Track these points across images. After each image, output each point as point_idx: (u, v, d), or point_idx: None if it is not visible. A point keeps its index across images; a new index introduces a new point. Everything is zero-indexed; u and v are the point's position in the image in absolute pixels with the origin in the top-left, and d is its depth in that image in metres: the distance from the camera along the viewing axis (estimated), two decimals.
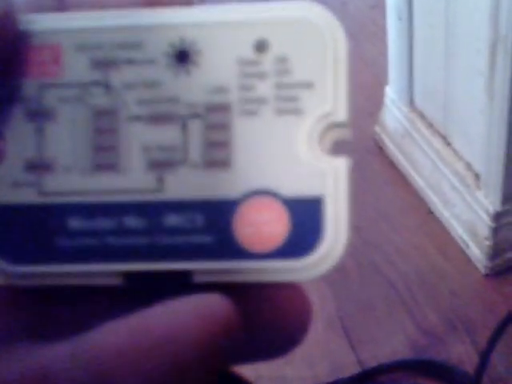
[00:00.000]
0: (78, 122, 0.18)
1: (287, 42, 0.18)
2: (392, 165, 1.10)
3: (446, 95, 0.94)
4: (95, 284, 0.18)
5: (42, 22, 0.19)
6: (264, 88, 0.18)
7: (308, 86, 0.18)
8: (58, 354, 0.15)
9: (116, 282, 0.18)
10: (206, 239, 0.18)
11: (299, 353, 0.86)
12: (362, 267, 0.95)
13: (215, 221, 0.18)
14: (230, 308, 0.16)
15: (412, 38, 0.98)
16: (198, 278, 0.18)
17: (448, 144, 0.97)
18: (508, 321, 0.84)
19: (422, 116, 1.02)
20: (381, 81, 1.12)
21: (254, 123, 0.18)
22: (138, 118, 0.18)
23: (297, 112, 0.18)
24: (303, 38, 0.18)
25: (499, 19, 0.74)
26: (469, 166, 0.93)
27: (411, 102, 1.03)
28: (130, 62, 0.18)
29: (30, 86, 0.18)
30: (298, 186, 0.18)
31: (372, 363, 0.85)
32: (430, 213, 1.01)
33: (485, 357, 0.82)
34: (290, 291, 0.19)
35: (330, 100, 0.18)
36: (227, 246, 0.18)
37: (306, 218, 0.18)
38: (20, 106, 0.18)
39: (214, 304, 0.16)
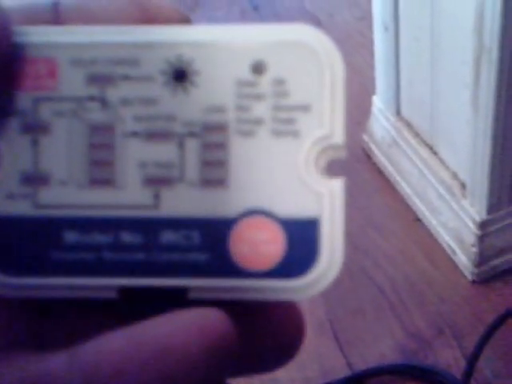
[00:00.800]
0: (74, 137, 0.18)
1: (285, 65, 0.18)
2: (380, 172, 1.10)
3: (432, 105, 0.94)
4: (90, 297, 0.18)
5: (38, 35, 0.18)
6: (261, 109, 0.18)
7: (305, 108, 0.18)
8: (55, 362, 0.15)
9: (111, 296, 0.18)
10: (201, 257, 0.18)
11: None
12: (351, 272, 0.95)
13: (211, 239, 0.18)
14: (226, 322, 0.16)
15: (398, 48, 0.98)
16: (194, 295, 0.18)
17: (434, 153, 0.97)
18: (495, 326, 0.86)
19: (408, 125, 1.02)
20: (369, 90, 1.12)
21: (250, 144, 0.18)
22: (134, 135, 0.18)
23: (294, 134, 0.18)
24: (301, 61, 0.18)
25: (483, 32, 0.75)
26: (455, 175, 0.93)
27: (398, 112, 1.04)
28: (127, 78, 0.18)
29: (25, 99, 0.18)
30: (294, 206, 0.18)
31: (361, 366, 0.86)
32: (418, 220, 1.02)
33: (472, 361, 0.83)
34: (285, 308, 0.19)
35: (327, 123, 0.18)
36: (223, 264, 0.18)
37: (302, 239, 0.18)
38: (15, 118, 0.18)
39: (211, 318, 0.16)
